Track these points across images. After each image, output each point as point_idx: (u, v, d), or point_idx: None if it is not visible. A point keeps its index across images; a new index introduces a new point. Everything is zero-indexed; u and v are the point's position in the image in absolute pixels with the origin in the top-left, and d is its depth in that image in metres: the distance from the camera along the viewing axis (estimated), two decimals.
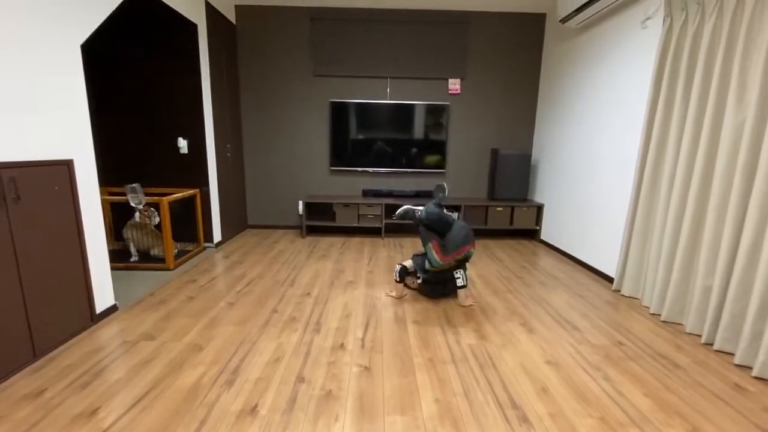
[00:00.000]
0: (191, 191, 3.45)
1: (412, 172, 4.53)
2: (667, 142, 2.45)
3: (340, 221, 4.29)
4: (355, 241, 4.25)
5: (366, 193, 4.51)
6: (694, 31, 2.23)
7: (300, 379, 1.73)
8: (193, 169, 3.61)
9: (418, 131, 4.40)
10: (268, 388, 1.65)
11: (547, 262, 3.60)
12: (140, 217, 3.19)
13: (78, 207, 2.07)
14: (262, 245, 3.95)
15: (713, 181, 2.11)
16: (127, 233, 3.23)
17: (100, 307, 2.25)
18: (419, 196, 4.42)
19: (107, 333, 2.11)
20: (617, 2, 2.89)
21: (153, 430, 1.40)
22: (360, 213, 4.27)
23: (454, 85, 4.36)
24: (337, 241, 4.23)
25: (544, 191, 4.27)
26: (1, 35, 1.65)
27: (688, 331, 2.23)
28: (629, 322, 2.36)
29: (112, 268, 2.38)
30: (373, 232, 4.61)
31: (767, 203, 1.81)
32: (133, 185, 3.04)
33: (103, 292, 2.29)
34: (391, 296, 2.68)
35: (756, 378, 1.79)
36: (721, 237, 2.05)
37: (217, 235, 3.85)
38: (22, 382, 1.67)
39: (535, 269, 3.36)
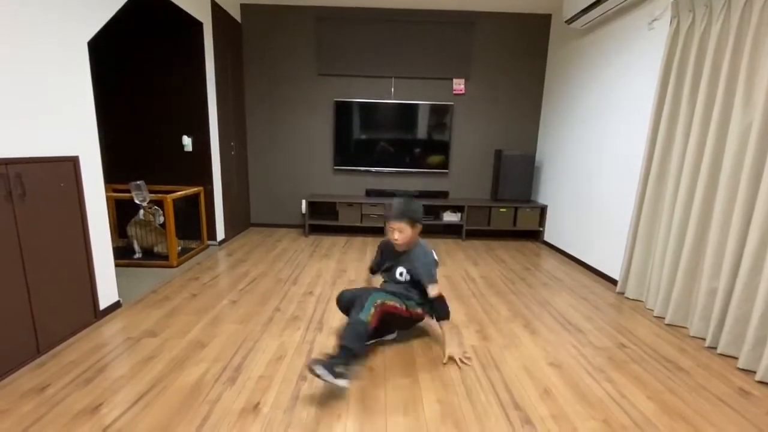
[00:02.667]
0: (195, 189, 3.46)
1: (415, 172, 4.53)
2: (673, 144, 2.44)
3: (343, 221, 4.29)
4: (358, 240, 4.25)
5: (369, 193, 4.51)
6: (701, 32, 2.22)
7: (302, 377, 1.73)
8: (197, 167, 3.62)
9: (422, 131, 4.39)
10: (271, 387, 1.65)
11: (550, 263, 3.58)
12: (144, 215, 3.20)
13: (83, 204, 2.08)
14: (265, 244, 3.95)
15: (719, 183, 2.09)
16: (131, 230, 3.24)
17: (103, 304, 2.25)
18: (423, 196, 4.42)
19: (110, 329, 2.12)
20: (624, 3, 2.87)
21: (155, 427, 1.40)
22: (363, 212, 4.27)
23: (459, 85, 4.35)
24: (339, 240, 4.23)
25: (547, 192, 4.25)
26: (9, 31, 1.66)
27: (692, 334, 2.21)
28: (633, 325, 2.35)
29: (116, 265, 2.39)
30: (376, 231, 4.61)
31: None
32: (138, 182, 3.05)
33: (107, 288, 2.29)
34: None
35: (760, 382, 1.78)
36: (727, 240, 2.03)
37: (220, 233, 3.86)
38: (26, 377, 1.68)
39: (538, 271, 3.35)
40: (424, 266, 1.94)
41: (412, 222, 1.91)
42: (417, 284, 1.99)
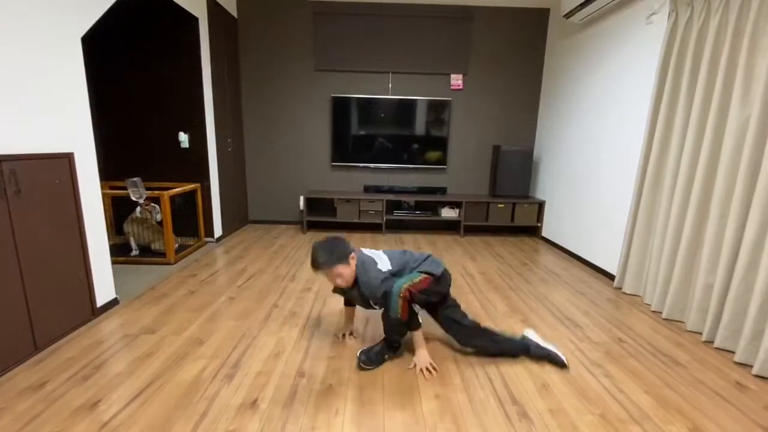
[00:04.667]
0: (192, 186, 3.44)
1: (413, 168, 4.52)
2: (671, 138, 2.44)
3: (341, 217, 4.28)
4: (356, 236, 4.24)
5: (367, 189, 4.50)
6: (699, 26, 2.21)
7: (300, 373, 1.73)
8: (194, 164, 3.60)
9: (420, 127, 4.38)
10: (269, 383, 1.65)
11: (548, 259, 3.59)
12: (141, 212, 3.19)
13: (79, 200, 2.07)
14: (263, 240, 3.95)
15: (716, 177, 2.09)
16: (128, 228, 3.23)
17: (100, 301, 2.25)
18: (421, 192, 4.41)
19: (108, 326, 2.11)
20: None
21: (153, 424, 1.40)
22: (361, 209, 4.26)
23: (457, 80, 4.33)
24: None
25: (545, 188, 4.25)
26: (2, 27, 1.64)
27: (688, 328, 2.22)
28: (630, 320, 2.35)
29: (113, 262, 2.38)
30: (374, 227, 4.61)
31: None
32: (134, 179, 3.03)
33: (104, 285, 2.29)
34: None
35: (756, 376, 1.79)
36: (724, 234, 2.04)
37: (218, 230, 3.85)
38: (24, 374, 1.68)
39: (536, 266, 3.36)
40: (371, 291, 1.72)
41: (345, 261, 1.70)
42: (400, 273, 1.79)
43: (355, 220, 4.29)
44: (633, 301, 2.63)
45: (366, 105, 4.31)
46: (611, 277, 3.01)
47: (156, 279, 2.80)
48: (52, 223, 1.91)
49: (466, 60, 4.28)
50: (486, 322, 2.26)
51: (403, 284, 1.67)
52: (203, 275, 2.91)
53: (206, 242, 3.75)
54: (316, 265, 1.70)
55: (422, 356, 1.78)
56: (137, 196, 3.04)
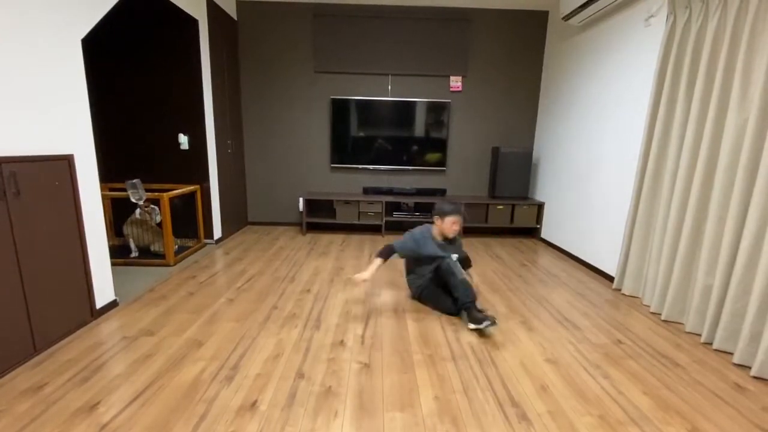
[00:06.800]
0: (192, 187, 3.45)
1: (412, 169, 4.53)
2: (669, 140, 2.44)
3: (341, 218, 4.29)
4: (356, 238, 4.25)
5: (366, 191, 4.50)
6: (697, 28, 2.22)
7: (300, 375, 1.73)
8: (193, 165, 3.60)
9: (419, 129, 4.39)
10: (268, 384, 1.65)
11: (547, 260, 3.59)
12: (141, 214, 3.19)
13: (78, 202, 2.07)
14: (262, 242, 3.95)
15: (715, 179, 2.10)
16: (128, 229, 3.22)
17: (100, 303, 2.25)
18: (420, 194, 4.42)
19: (107, 328, 2.11)
20: (620, 0, 2.87)
21: (153, 425, 1.40)
22: (360, 210, 4.27)
23: (456, 82, 4.34)
24: (337, 238, 4.23)
25: (544, 189, 4.26)
26: (2, 29, 1.65)
27: (687, 330, 2.23)
28: (629, 321, 2.36)
29: (112, 264, 2.38)
30: (374, 229, 4.61)
31: None
32: (134, 181, 3.03)
33: (103, 287, 2.29)
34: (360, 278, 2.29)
35: (755, 377, 1.79)
36: (722, 236, 2.04)
37: (217, 232, 3.85)
38: (23, 376, 1.67)
39: (535, 267, 3.36)
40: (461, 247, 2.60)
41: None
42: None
43: (355, 222, 4.30)
44: (632, 303, 2.63)
45: (365, 107, 4.31)
46: (610, 278, 3.01)
47: (155, 281, 2.80)
48: (52, 225, 1.91)
49: (465, 62, 4.30)
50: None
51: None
52: (203, 277, 2.91)
53: (206, 244, 3.75)
54: (456, 209, 2.37)
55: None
56: (137, 197, 3.04)
